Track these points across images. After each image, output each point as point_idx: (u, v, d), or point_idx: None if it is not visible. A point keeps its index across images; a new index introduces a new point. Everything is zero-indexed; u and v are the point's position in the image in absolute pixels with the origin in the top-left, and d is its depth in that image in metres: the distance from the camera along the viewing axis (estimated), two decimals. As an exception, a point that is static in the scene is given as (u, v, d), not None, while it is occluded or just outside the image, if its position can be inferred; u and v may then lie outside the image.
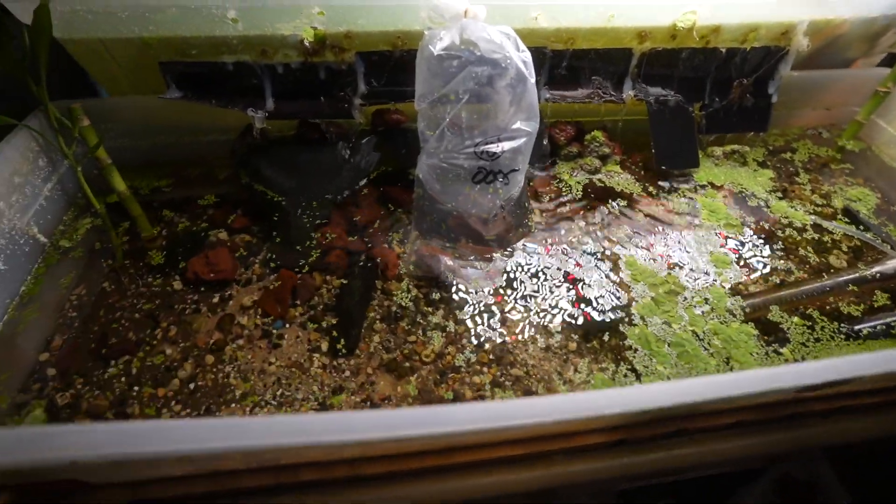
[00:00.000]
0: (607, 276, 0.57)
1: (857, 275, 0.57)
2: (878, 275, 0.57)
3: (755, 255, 0.60)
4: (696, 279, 0.57)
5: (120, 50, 0.53)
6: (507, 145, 0.52)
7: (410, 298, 0.56)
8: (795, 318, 0.53)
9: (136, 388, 0.48)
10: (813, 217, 0.64)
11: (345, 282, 0.57)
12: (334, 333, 0.53)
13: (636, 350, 0.50)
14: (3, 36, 0.49)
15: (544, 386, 0.50)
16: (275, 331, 0.53)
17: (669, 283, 0.56)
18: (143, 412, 0.47)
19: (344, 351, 0.52)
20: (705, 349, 0.50)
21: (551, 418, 0.39)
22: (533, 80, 0.50)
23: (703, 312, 0.53)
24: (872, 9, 0.62)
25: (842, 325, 0.53)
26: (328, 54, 0.56)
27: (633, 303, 0.54)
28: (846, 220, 0.65)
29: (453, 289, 0.57)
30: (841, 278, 0.57)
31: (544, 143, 0.66)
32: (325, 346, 0.52)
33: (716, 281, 0.57)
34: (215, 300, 0.55)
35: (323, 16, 0.53)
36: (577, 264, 0.59)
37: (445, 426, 0.36)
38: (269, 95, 0.58)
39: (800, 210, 0.65)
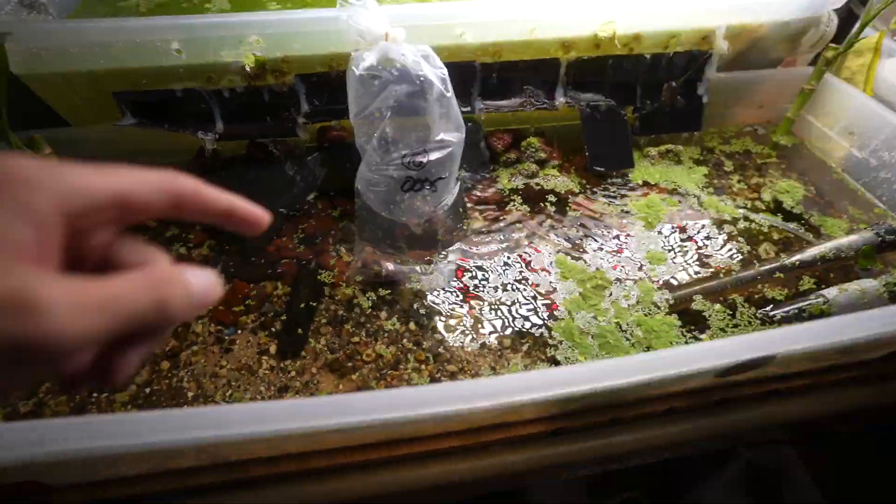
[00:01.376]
0: (538, 275, 0.59)
1: (778, 263, 0.58)
2: (798, 262, 0.57)
3: (687, 251, 0.61)
4: (626, 275, 0.58)
5: (74, 83, 0.56)
6: (433, 155, 0.54)
7: (355, 303, 0.58)
8: (717, 306, 0.54)
9: (94, 394, 0.50)
10: (742, 210, 0.65)
11: (293, 289, 0.59)
12: (282, 337, 0.55)
13: (560, 343, 0.51)
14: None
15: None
16: (227, 336, 0.55)
17: (597, 278, 0.57)
18: (99, 408, 0.49)
19: (290, 353, 0.53)
20: (627, 339, 0.51)
21: (464, 405, 0.41)
22: (450, 94, 0.51)
23: (628, 306, 0.54)
24: (784, 13, 0.63)
25: (759, 310, 0.53)
26: (269, 78, 0.58)
27: (562, 299, 0.55)
28: (774, 212, 0.65)
29: (395, 292, 0.59)
30: (764, 267, 0.58)
31: (483, 151, 0.67)
32: (273, 349, 0.54)
33: (646, 277, 0.58)
34: (171, 311, 0.57)
35: (260, 43, 0.55)
36: (511, 264, 0.60)
37: (361, 414, 0.38)
38: (219, 118, 0.60)
39: (730, 204, 0.66)
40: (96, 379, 0.20)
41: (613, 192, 0.67)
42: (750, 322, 0.53)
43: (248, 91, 0.59)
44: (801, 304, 0.53)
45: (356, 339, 0.55)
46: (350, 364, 0.53)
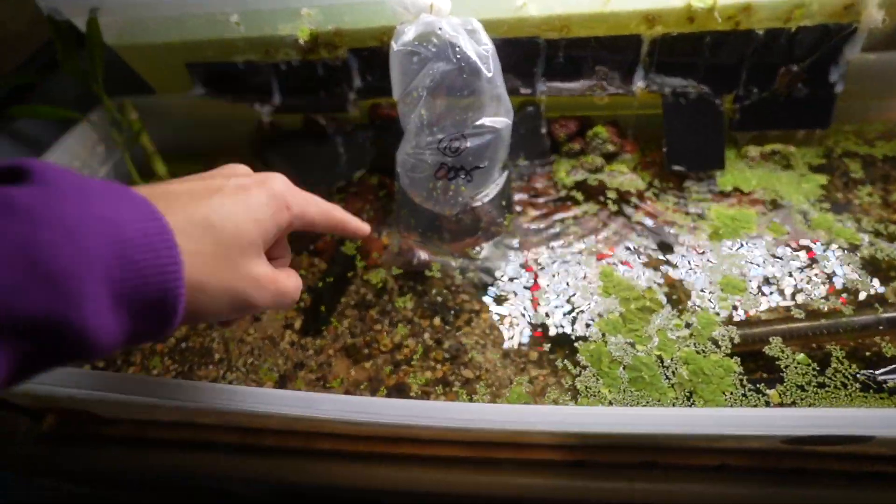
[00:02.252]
0: (578, 286, 0.51)
1: (906, 312, 0.43)
2: (936, 315, 0.42)
3: (778, 280, 0.48)
4: (685, 300, 0.48)
5: (155, 53, 0.59)
6: (472, 142, 0.48)
7: (385, 288, 0.56)
8: (800, 356, 0.42)
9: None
10: (867, 236, 0.50)
11: (328, 267, 0.58)
12: (308, 314, 0.54)
13: (585, 368, 0.44)
14: (70, 48, 0.58)
15: (492, 392, 0.46)
16: (259, 306, 0.56)
17: (646, 298, 0.47)
18: (142, 361, 0.53)
19: (312, 331, 0.53)
20: (667, 378, 0.42)
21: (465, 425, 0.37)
22: (492, 74, 0.45)
23: (678, 337, 0.45)
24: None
25: (862, 371, 0.40)
26: (322, 51, 0.56)
27: (598, 317, 0.47)
28: (919, 242, 0.49)
29: (426, 284, 0.55)
30: (887, 314, 0.44)
31: (543, 138, 0.59)
32: (297, 325, 0.54)
33: (711, 306, 0.47)
34: (219, 273, 0.60)
35: (312, 16, 0.53)
36: (551, 270, 0.53)
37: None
38: (276, 91, 0.60)
39: (851, 226, 0.51)
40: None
41: (693, 198, 0.56)
42: (845, 384, 0.40)
43: (304, 65, 0.58)
44: (927, 373, 0.39)
45: (378, 326, 0.53)
46: (366, 351, 0.51)
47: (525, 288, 0.52)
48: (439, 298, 0.54)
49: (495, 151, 0.49)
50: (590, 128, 0.59)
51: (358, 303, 0.55)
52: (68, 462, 0.48)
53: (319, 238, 0.61)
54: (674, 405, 0.40)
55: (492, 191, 0.53)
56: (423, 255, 0.57)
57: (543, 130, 0.59)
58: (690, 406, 0.40)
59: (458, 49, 0.44)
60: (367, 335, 0.52)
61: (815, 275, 0.48)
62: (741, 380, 0.41)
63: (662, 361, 0.43)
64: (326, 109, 0.61)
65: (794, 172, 0.56)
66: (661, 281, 0.49)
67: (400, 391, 0.48)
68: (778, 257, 0.50)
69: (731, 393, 0.41)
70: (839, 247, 0.50)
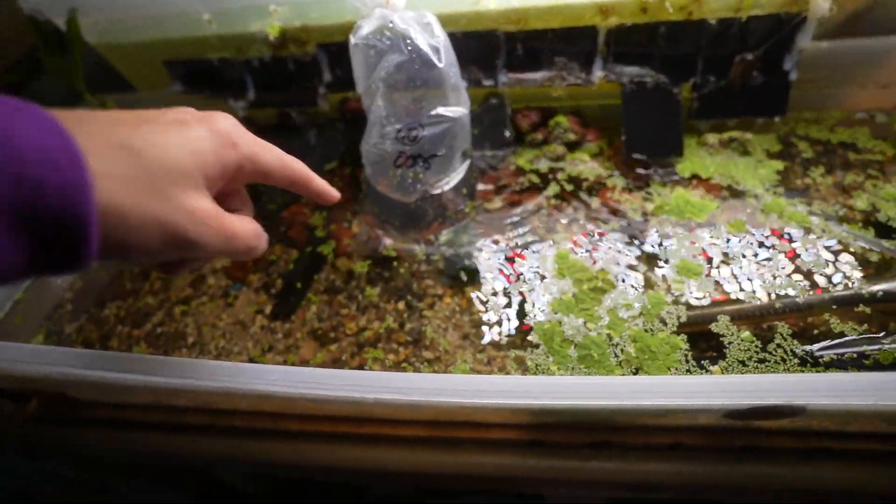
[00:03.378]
0: (537, 269, 0.51)
1: (852, 291, 0.43)
2: (881, 293, 0.42)
3: (730, 263, 0.48)
4: (637, 282, 0.48)
5: (135, 52, 0.60)
6: (427, 131, 0.49)
7: (353, 274, 0.56)
8: (745, 333, 0.42)
9: (119, 326, 0.56)
10: (817, 219, 0.50)
11: (300, 255, 0.59)
12: (278, 300, 0.55)
13: (537, 347, 0.44)
14: (52, 47, 0.59)
15: (451, 369, 0.47)
16: (233, 292, 0.57)
17: (598, 279, 0.48)
18: (119, 346, 0.54)
19: (282, 316, 0.54)
20: (615, 356, 0.42)
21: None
22: (442, 65, 0.45)
23: (628, 317, 0.45)
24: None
25: (802, 347, 0.40)
26: (292, 47, 0.57)
27: (552, 298, 0.48)
28: (868, 225, 0.49)
29: (392, 270, 0.56)
30: (829, 294, 0.44)
31: (506, 128, 0.60)
32: (268, 310, 0.55)
33: (663, 287, 0.47)
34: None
35: (279, 12, 0.54)
36: (513, 254, 0.53)
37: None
38: (250, 87, 0.61)
39: (802, 209, 0.51)
40: (171, 272, 0.29)
41: (654, 184, 0.56)
42: (784, 359, 0.40)
43: (275, 61, 0.59)
44: (866, 348, 0.39)
45: (345, 311, 0.53)
46: (332, 335, 0.52)
47: (487, 272, 0.52)
48: (405, 284, 0.54)
49: (453, 140, 0.50)
50: (552, 118, 0.60)
51: (327, 288, 0.56)
52: (53, 445, 0.49)
53: (292, 225, 0.61)
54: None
55: (453, 179, 0.53)
56: (388, 241, 0.57)
57: (507, 121, 0.60)
58: (634, 381, 0.40)
59: (409, 41, 0.44)
60: (333, 319, 0.53)
61: (769, 258, 0.48)
62: (686, 356, 0.41)
63: (611, 340, 0.43)
64: (298, 104, 0.62)
65: (751, 158, 0.56)
66: (618, 263, 0.50)
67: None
68: (734, 240, 0.50)
69: (676, 369, 0.41)
70: (790, 231, 0.50)
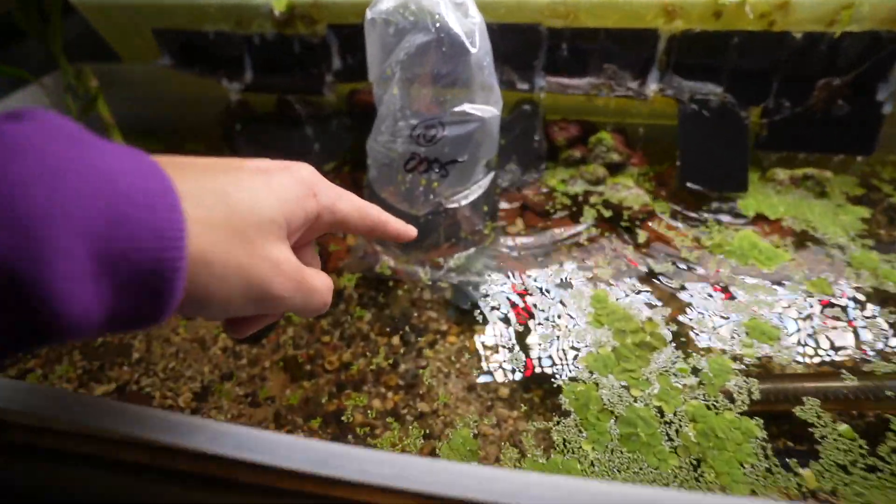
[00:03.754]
0: (566, 312, 0.41)
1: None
2: None
3: (812, 324, 0.38)
4: (696, 339, 0.38)
5: (121, 15, 0.52)
6: (449, 130, 0.40)
7: (342, 296, 0.47)
8: (843, 427, 0.32)
9: (52, 332, 0.46)
10: (920, 281, 0.40)
11: (281, 266, 0.49)
12: (247, 317, 0.45)
13: (567, 415, 0.34)
14: (30, 5, 0.51)
15: (448, 432, 0.36)
16: (196, 303, 0.47)
17: (645, 332, 0.38)
18: (46, 354, 0.44)
19: (250, 337, 0.44)
20: (669, 440, 0.32)
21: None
22: (476, 51, 0.37)
23: (684, 385, 0.35)
24: None
25: (924, 454, 0.30)
26: (299, 25, 0.49)
27: (586, 350, 0.37)
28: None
29: (390, 295, 0.46)
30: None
31: (539, 141, 0.51)
32: (234, 329, 0.45)
33: (728, 350, 0.37)
34: (158, 263, 0.51)
35: (288, -18, 0.46)
36: (535, 291, 0.43)
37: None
38: (248, 67, 0.53)
39: (900, 268, 0.41)
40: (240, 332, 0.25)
41: (710, 222, 0.46)
42: (901, 467, 0.30)
43: (279, 39, 0.50)
44: None
45: (327, 338, 0.43)
46: (308, 367, 0.42)
47: (503, 310, 0.42)
48: (403, 314, 0.45)
49: (478, 145, 0.41)
50: (593, 134, 0.51)
51: (309, 310, 0.46)
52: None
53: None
54: (675, 476, 0.30)
55: (472, 192, 0.44)
56: (389, 260, 0.48)
57: (539, 133, 0.51)
58: (697, 478, 0.30)
59: (437, 17, 0.36)
60: (311, 348, 0.43)
61: (861, 325, 0.38)
62: (764, 448, 0.31)
63: (663, 415, 0.33)
64: (301, 91, 0.53)
65: (829, 202, 0.46)
66: (666, 314, 0.40)
67: (338, 421, 0.38)
68: (813, 300, 0.40)
69: (752, 466, 0.30)
70: (888, 293, 0.40)
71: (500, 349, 0.40)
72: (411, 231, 0.29)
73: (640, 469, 0.30)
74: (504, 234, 0.48)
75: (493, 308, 0.43)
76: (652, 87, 0.46)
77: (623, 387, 0.35)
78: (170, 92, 0.58)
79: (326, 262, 0.49)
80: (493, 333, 0.41)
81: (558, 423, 0.33)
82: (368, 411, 0.38)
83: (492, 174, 0.45)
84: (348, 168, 0.55)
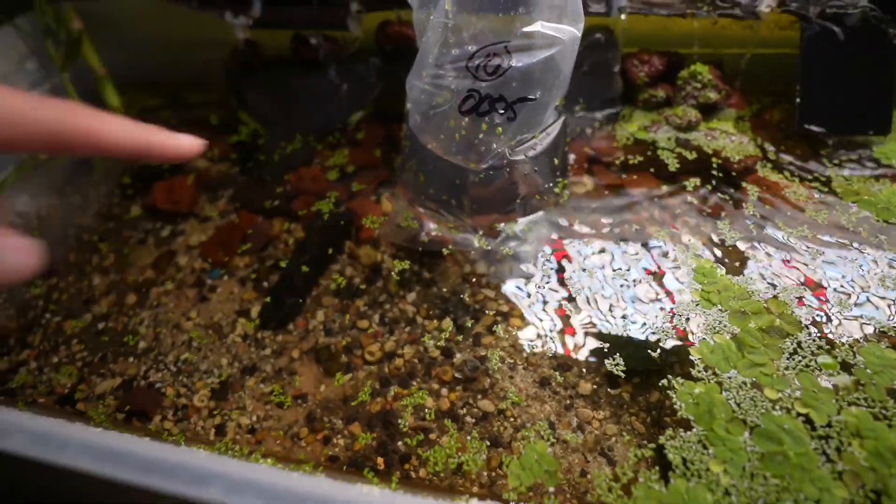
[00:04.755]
0: (664, 289, 0.33)
1: None
2: None
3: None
4: (839, 323, 0.29)
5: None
6: (518, 59, 0.30)
7: (379, 271, 0.39)
8: None
9: (47, 314, 0.39)
10: None
11: (306, 235, 0.42)
12: (272, 298, 0.38)
13: (684, 424, 0.26)
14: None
15: (520, 437, 0.29)
16: (209, 280, 0.40)
17: (773, 313, 0.29)
18: (41, 344, 0.38)
19: (274, 322, 0.37)
20: (827, 458, 0.24)
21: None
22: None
23: (835, 386, 0.26)
24: None
25: None
26: (317, -63, 0.39)
27: (697, 338, 0.29)
28: None
29: (437, 269, 0.38)
30: None
31: (614, 79, 0.41)
32: (254, 311, 0.38)
33: (885, 335, 0.28)
34: (165, 234, 0.44)
35: None
36: (623, 265, 0.35)
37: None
38: (257, -2, 0.43)
39: None
40: None
41: (837, 173, 0.37)
42: None
43: (293, -42, 0.41)
44: None
45: (364, 323, 0.36)
46: (345, 358, 0.35)
47: (579, 285, 0.34)
48: (454, 292, 0.37)
49: (554, 77, 0.31)
50: (681, 69, 0.40)
51: (340, 289, 0.38)
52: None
53: (298, 195, 0.44)
54: (846, 513, 0.22)
55: (541, 141, 0.35)
56: (433, 226, 0.39)
57: (616, 68, 0.41)
58: (878, 517, 0.22)
59: None
60: (347, 335, 0.36)
61: None
62: (965, 475, 0.23)
63: (813, 426, 0.25)
64: (320, 26, 0.44)
65: None
66: (793, 290, 0.31)
67: (386, 425, 0.31)
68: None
69: (952, 499, 0.22)
70: None
71: (581, 332, 0.32)
72: (185, 142, 0.21)
73: (797, 502, 0.23)
74: (573, 194, 0.40)
75: (564, 282, 0.34)
76: (767, 2, 0.36)
77: (752, 385, 0.27)
78: (166, 36, 0.49)
79: (357, 233, 0.41)
80: (570, 314, 0.33)
81: (674, 435, 0.26)
82: (420, 412, 0.31)
83: (562, 119, 0.36)
84: (382, 120, 0.46)
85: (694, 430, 0.25)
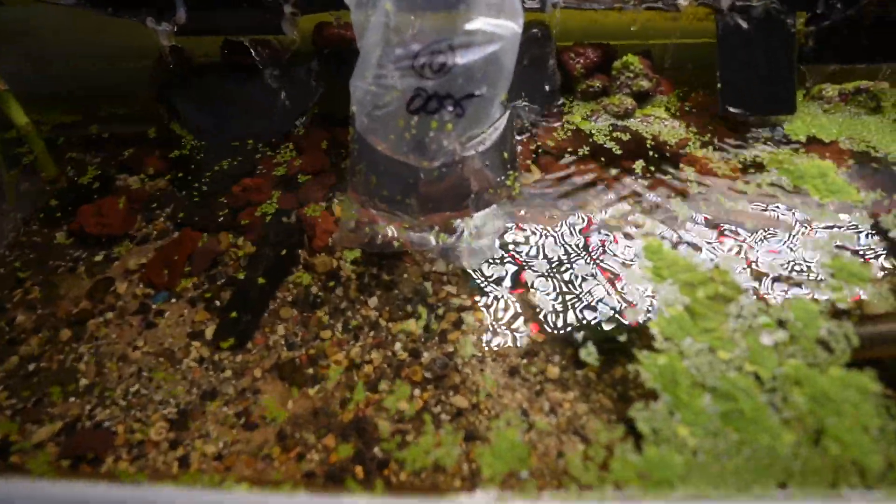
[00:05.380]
0: (620, 269, 0.34)
1: None
2: None
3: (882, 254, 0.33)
4: (771, 284, 0.32)
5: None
6: (462, 56, 0.30)
7: (338, 278, 0.38)
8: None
9: (-36, 361, 0.35)
10: None
11: (257, 249, 0.40)
12: (226, 317, 0.36)
13: (653, 395, 0.28)
14: None
15: (495, 429, 0.29)
16: (154, 305, 0.37)
17: (716, 281, 0.31)
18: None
19: (232, 341, 0.35)
20: (775, 409, 0.26)
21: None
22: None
23: (775, 342, 0.29)
24: None
25: None
26: (242, -63, 0.38)
27: (654, 312, 0.31)
28: None
29: (397, 271, 0.38)
30: None
31: (552, 72, 0.42)
32: (209, 333, 0.35)
33: (808, 292, 0.31)
34: (98, 259, 0.40)
35: None
36: (575, 248, 0.36)
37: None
38: (181, 2, 0.41)
39: (974, 183, 0.36)
40: None
41: (757, 150, 0.40)
42: None
43: (217, -40, 0.39)
44: None
45: (327, 333, 0.35)
46: (310, 370, 0.33)
47: (537, 273, 0.35)
48: (415, 292, 0.37)
49: (498, 73, 0.32)
50: (614, 60, 0.43)
51: (299, 299, 0.37)
52: None
53: (244, 207, 0.42)
54: (795, 455, 0.24)
55: (489, 136, 0.35)
56: (390, 229, 0.39)
57: (551, 62, 0.42)
58: (821, 455, 0.24)
59: None
60: (311, 346, 0.34)
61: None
62: (888, 407, 0.26)
63: (761, 381, 0.27)
64: (253, 31, 0.42)
65: (884, 117, 0.41)
66: (732, 258, 0.34)
67: (360, 433, 0.30)
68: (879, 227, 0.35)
69: (880, 429, 0.25)
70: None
71: (544, 318, 0.33)
72: None
73: (753, 452, 0.24)
74: (521, 185, 0.41)
75: (524, 272, 0.35)
76: (685, -6, 0.39)
77: (707, 349, 0.29)
78: (83, 45, 0.45)
79: (311, 242, 0.40)
80: (532, 301, 0.34)
81: (644, 407, 0.27)
82: (394, 415, 0.31)
83: (507, 112, 0.37)
84: (325, 123, 0.45)
85: (661, 398, 0.27)
